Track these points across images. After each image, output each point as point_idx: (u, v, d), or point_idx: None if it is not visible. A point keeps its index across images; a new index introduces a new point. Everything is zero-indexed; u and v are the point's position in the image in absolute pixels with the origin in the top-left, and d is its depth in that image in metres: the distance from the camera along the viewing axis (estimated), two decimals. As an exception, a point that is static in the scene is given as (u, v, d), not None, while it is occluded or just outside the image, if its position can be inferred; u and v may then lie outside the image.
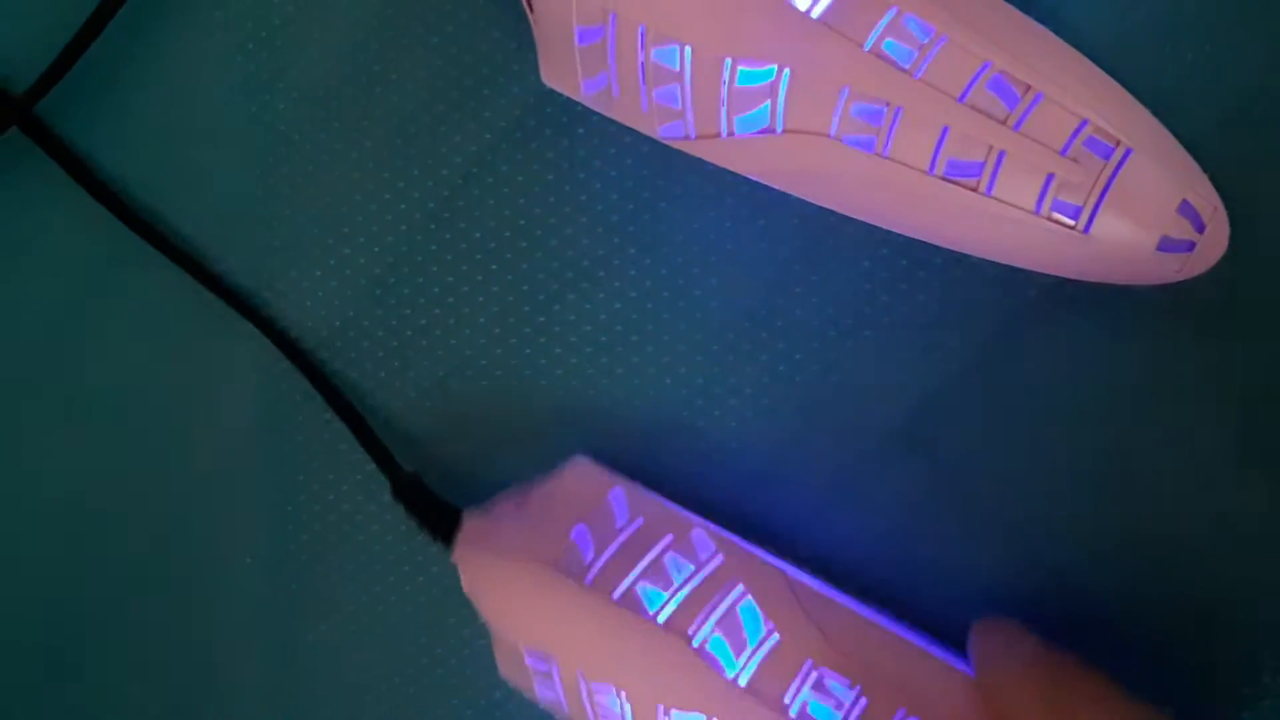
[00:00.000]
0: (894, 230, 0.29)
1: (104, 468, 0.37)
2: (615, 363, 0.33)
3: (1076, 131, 0.26)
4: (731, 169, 0.30)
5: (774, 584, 0.26)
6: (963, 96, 0.26)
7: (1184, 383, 0.30)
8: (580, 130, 0.33)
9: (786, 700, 0.25)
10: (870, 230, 0.30)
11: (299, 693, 0.36)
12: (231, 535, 0.36)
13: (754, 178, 0.30)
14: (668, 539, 0.27)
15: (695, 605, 0.26)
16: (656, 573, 0.26)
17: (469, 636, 0.35)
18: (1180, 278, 0.27)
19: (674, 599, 0.26)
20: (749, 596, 0.26)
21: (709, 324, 0.32)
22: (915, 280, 0.31)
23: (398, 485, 0.32)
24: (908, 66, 0.26)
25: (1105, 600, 0.31)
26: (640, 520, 0.27)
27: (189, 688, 0.37)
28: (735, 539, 0.28)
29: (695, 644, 0.26)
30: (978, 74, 0.26)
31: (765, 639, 0.26)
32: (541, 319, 0.34)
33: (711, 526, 0.29)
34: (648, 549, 0.27)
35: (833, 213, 0.30)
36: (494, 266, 0.34)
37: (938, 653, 0.28)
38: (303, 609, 0.36)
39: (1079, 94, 0.26)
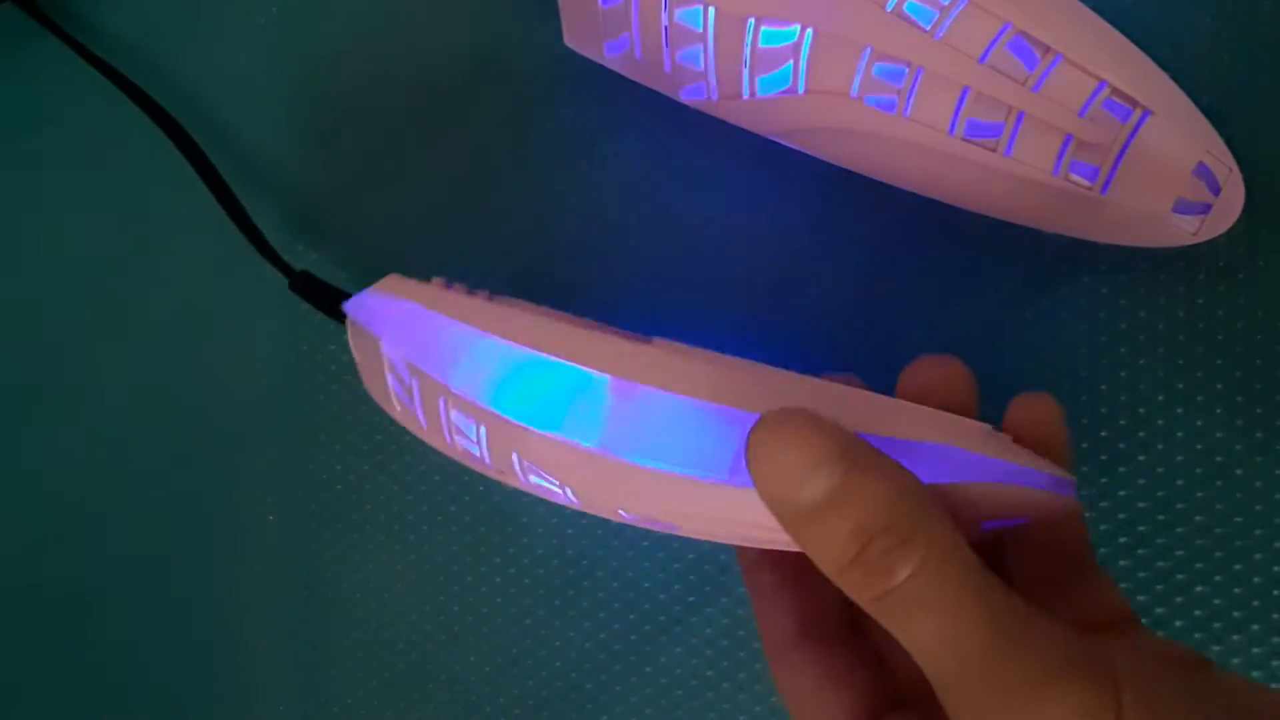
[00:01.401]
0: (914, 191, 0.30)
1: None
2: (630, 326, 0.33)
3: (1095, 93, 0.27)
4: (753, 130, 0.30)
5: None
6: (983, 57, 0.27)
7: (1199, 344, 0.31)
8: (602, 92, 0.33)
9: None
10: (890, 191, 0.30)
11: (319, 651, 0.37)
12: (252, 492, 0.37)
13: (775, 139, 0.30)
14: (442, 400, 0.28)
15: None
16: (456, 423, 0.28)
17: (486, 594, 0.35)
18: (1196, 240, 0.28)
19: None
20: None
21: (728, 284, 0.32)
22: (934, 241, 0.32)
23: (293, 281, 0.34)
24: (929, 27, 0.27)
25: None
26: (416, 380, 0.28)
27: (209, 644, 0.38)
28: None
29: None
30: (998, 35, 0.27)
31: None
32: (563, 276, 0.34)
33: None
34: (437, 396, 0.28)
35: (853, 173, 0.30)
36: (513, 229, 0.34)
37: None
38: (323, 566, 0.36)
39: (1098, 56, 0.27)
